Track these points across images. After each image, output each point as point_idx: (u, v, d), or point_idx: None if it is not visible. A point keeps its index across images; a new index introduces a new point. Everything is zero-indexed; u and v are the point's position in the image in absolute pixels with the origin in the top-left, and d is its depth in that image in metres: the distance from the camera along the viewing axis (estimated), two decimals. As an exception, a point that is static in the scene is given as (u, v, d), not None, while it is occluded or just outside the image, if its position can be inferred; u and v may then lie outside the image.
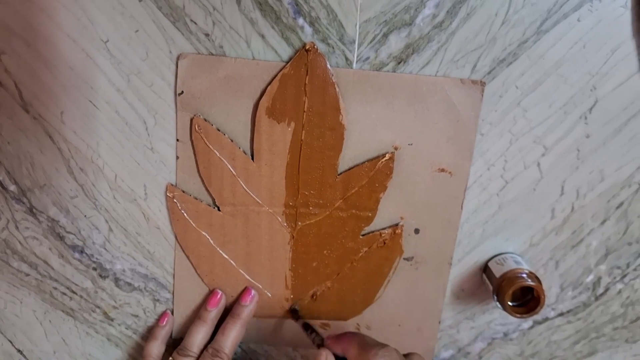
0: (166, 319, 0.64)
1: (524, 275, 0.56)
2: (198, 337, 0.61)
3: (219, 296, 0.62)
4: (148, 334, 0.64)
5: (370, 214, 0.58)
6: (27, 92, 0.56)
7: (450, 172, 0.56)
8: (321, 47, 0.53)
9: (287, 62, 0.53)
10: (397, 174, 0.56)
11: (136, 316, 0.65)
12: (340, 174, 0.57)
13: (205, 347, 0.61)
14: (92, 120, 0.57)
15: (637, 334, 0.63)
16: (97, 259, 0.62)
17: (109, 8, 0.53)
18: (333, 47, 0.53)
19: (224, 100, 0.55)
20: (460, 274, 0.61)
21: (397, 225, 0.59)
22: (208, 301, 0.62)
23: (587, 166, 0.56)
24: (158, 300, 0.64)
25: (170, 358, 0.61)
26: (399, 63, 0.54)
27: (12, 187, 0.60)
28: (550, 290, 0.61)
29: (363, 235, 0.59)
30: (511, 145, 0.56)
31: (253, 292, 0.62)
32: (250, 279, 0.62)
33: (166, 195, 0.59)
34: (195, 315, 0.63)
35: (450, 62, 0.53)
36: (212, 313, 0.62)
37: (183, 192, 0.58)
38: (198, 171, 0.57)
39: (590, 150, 0.56)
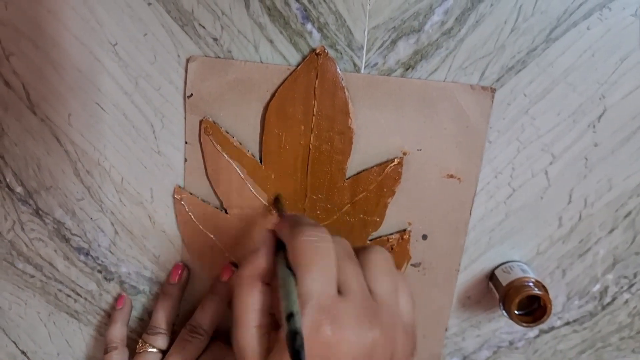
0: (123, 300, 0.63)
1: (531, 284, 0.55)
2: (165, 312, 0.60)
3: (180, 269, 0.61)
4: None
5: (378, 219, 0.58)
6: (35, 94, 0.56)
7: (459, 178, 0.56)
8: (329, 52, 0.53)
9: (297, 66, 0.53)
10: (405, 179, 0.56)
11: (141, 319, 0.65)
12: (349, 178, 0.57)
13: (175, 323, 0.61)
14: (99, 123, 0.57)
15: (643, 344, 0.63)
16: (102, 261, 0.62)
17: (118, 11, 0.53)
18: (341, 53, 0.53)
19: (233, 103, 0.55)
20: (466, 282, 0.61)
21: (404, 230, 0.59)
22: (170, 275, 0.61)
23: (595, 175, 0.56)
24: (162, 304, 0.64)
25: (140, 339, 0.60)
26: (407, 69, 0.54)
27: (19, 189, 0.60)
28: (557, 299, 0.61)
29: (370, 240, 0.59)
30: (519, 153, 0.56)
31: (234, 269, 0.60)
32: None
33: (174, 198, 0.59)
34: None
35: (458, 69, 0.53)
36: (176, 286, 0.61)
37: (191, 194, 0.58)
38: (206, 174, 0.57)
39: (599, 159, 0.56)
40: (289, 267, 0.40)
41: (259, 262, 0.43)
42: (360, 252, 0.43)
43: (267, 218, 0.58)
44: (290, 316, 0.36)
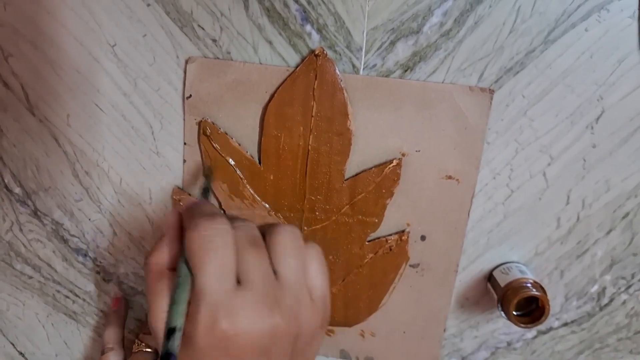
0: (118, 302, 0.63)
1: (529, 285, 0.55)
2: None
3: None
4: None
5: (376, 220, 0.58)
6: (34, 95, 0.56)
7: (457, 180, 0.56)
8: (328, 54, 0.53)
9: (296, 67, 0.53)
10: (404, 180, 0.56)
11: (139, 320, 0.65)
12: (347, 179, 0.57)
13: None
14: (98, 124, 0.57)
15: (641, 345, 0.63)
16: (100, 262, 0.62)
17: (117, 12, 0.53)
18: (340, 54, 0.53)
19: (232, 104, 0.55)
20: (464, 283, 0.61)
21: (403, 231, 0.59)
22: None
23: (593, 176, 0.56)
24: (161, 305, 0.64)
25: (137, 339, 0.60)
26: (406, 71, 0.54)
27: (17, 190, 0.60)
28: (555, 300, 0.61)
29: (369, 241, 0.59)
30: (517, 154, 0.56)
31: None
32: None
33: (172, 199, 0.59)
34: None
35: (457, 70, 0.53)
36: None
37: (189, 195, 0.58)
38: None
39: (597, 160, 0.56)
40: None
41: (163, 250, 0.42)
42: (267, 234, 0.42)
43: (265, 219, 0.59)
44: (170, 332, 0.36)
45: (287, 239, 0.42)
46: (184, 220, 0.42)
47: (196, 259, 0.38)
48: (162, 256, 0.42)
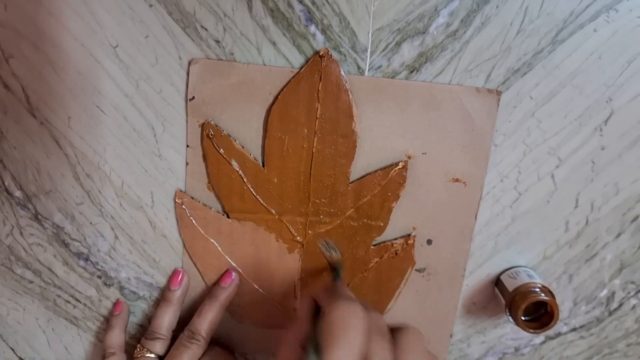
0: (120, 306, 0.63)
1: (537, 290, 0.55)
2: (165, 318, 0.60)
3: (181, 275, 0.61)
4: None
5: (382, 224, 0.57)
6: (35, 97, 0.56)
7: (464, 182, 0.56)
8: (333, 55, 0.53)
9: (301, 69, 0.53)
10: (410, 183, 0.56)
11: (141, 325, 0.64)
12: (352, 182, 0.56)
13: (175, 329, 0.60)
14: (100, 126, 0.56)
15: (651, 350, 0.62)
16: (102, 266, 0.62)
17: (119, 13, 0.52)
18: (345, 55, 0.53)
19: (235, 106, 0.54)
20: (471, 287, 0.60)
21: (409, 235, 0.58)
22: (170, 281, 0.61)
23: (602, 179, 0.56)
24: (163, 310, 0.63)
25: (139, 344, 0.59)
26: (412, 72, 0.53)
27: (18, 193, 0.59)
28: (563, 305, 0.60)
29: (374, 245, 0.58)
30: (525, 156, 0.55)
31: (234, 274, 0.60)
32: (258, 288, 0.61)
33: (175, 202, 0.58)
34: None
35: (464, 71, 0.53)
36: (176, 293, 0.60)
37: (192, 198, 0.58)
38: (208, 177, 0.57)
39: (606, 162, 0.55)
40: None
41: (299, 330, 0.45)
42: (394, 330, 0.45)
43: (268, 223, 0.58)
44: None
45: (413, 339, 0.44)
46: (320, 300, 0.46)
47: (329, 337, 0.40)
48: (297, 336, 0.45)
